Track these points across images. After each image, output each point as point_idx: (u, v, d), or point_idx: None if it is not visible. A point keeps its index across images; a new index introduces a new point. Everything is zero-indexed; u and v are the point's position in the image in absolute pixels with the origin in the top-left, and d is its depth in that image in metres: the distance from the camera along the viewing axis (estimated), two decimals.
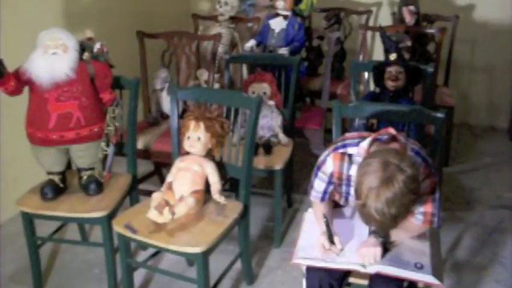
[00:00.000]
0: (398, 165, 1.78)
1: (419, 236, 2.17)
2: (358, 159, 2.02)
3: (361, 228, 2.16)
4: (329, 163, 2.12)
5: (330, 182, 2.17)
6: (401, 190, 1.76)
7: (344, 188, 2.19)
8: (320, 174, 2.16)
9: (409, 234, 2.15)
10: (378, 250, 2.01)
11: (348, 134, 2.20)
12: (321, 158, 2.16)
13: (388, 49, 3.01)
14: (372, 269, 2.01)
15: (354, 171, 2.04)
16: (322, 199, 2.22)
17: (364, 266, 2.01)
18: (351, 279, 2.17)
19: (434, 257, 2.09)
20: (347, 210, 2.30)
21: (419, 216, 2.08)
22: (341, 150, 2.11)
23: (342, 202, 2.31)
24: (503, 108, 5.12)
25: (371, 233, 2.10)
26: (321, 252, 2.10)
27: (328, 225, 2.10)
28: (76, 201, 2.65)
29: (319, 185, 2.19)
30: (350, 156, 2.08)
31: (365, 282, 2.13)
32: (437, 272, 2.01)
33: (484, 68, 5.08)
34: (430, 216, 2.07)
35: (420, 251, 2.11)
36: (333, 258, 2.06)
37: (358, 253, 2.03)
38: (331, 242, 2.09)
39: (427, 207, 2.06)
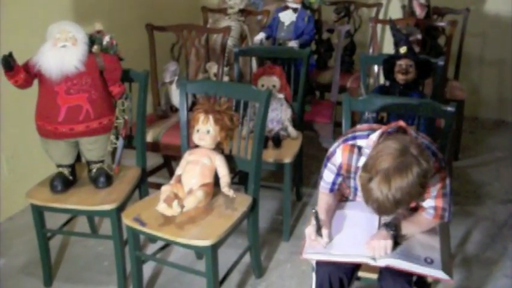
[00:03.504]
0: (416, 157, 1.79)
1: (430, 230, 2.17)
2: (367, 151, 2.01)
3: (372, 221, 2.16)
4: (338, 154, 2.13)
5: (338, 174, 2.18)
6: (413, 181, 1.77)
7: (352, 182, 2.19)
8: (329, 165, 2.18)
9: (419, 228, 2.14)
10: (389, 243, 2.01)
11: (358, 126, 2.20)
12: (331, 149, 2.17)
13: (398, 42, 2.99)
14: (381, 262, 2.00)
15: (363, 160, 2.03)
16: (331, 190, 2.24)
17: (374, 259, 2.00)
18: (361, 273, 2.16)
19: (444, 252, 2.08)
20: (357, 204, 2.29)
21: (431, 211, 2.08)
22: (351, 142, 2.12)
23: (351, 197, 2.31)
24: None
25: (382, 226, 2.09)
26: (308, 242, 2.10)
27: (317, 217, 2.09)
28: (85, 193, 2.66)
29: (328, 175, 2.21)
30: (360, 148, 2.09)
31: (374, 276, 2.13)
32: (447, 267, 2.00)
33: (495, 61, 5.05)
34: (440, 210, 2.07)
35: (430, 245, 2.10)
36: (343, 251, 2.06)
37: (369, 246, 2.02)
38: (319, 234, 2.08)
39: (438, 202, 2.06)
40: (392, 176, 1.77)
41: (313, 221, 2.09)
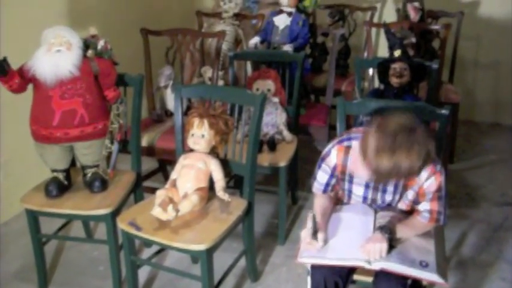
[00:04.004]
0: (423, 130, 1.85)
1: (425, 234, 2.17)
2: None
3: (367, 225, 2.16)
4: (333, 155, 2.15)
5: (332, 175, 2.19)
6: (418, 145, 1.80)
7: (346, 184, 2.20)
8: (323, 166, 2.19)
9: (414, 232, 2.15)
10: (384, 246, 2.01)
11: (353, 129, 2.21)
12: (326, 150, 2.19)
13: (392, 46, 3.00)
14: (377, 265, 2.00)
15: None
16: (324, 191, 2.26)
17: (369, 262, 2.01)
18: (356, 276, 2.16)
19: (439, 256, 2.09)
20: (352, 207, 2.29)
21: (426, 214, 2.09)
22: (346, 144, 2.14)
23: (345, 200, 2.31)
24: (509, 105, 5.10)
25: (376, 229, 2.09)
26: (303, 246, 2.11)
27: (314, 221, 2.09)
28: (80, 198, 2.65)
29: (322, 176, 2.22)
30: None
31: (370, 279, 2.13)
32: (442, 271, 2.01)
33: (489, 64, 5.06)
34: (436, 214, 2.08)
35: (425, 249, 2.10)
36: (338, 255, 2.06)
37: (364, 249, 2.03)
38: (315, 238, 2.08)
39: (433, 206, 2.07)
40: (400, 135, 1.80)
41: (310, 224, 2.09)
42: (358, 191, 2.21)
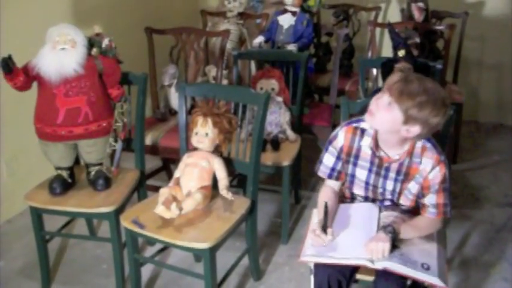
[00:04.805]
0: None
1: (427, 236, 2.17)
2: (370, 131, 2.12)
3: (370, 224, 2.16)
4: (341, 136, 2.20)
5: (339, 158, 2.22)
6: (436, 85, 1.97)
7: (350, 168, 2.23)
8: (330, 148, 2.23)
9: (419, 232, 2.15)
10: (387, 246, 2.01)
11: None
12: (333, 133, 2.24)
13: (396, 46, 3.00)
14: (379, 265, 2.00)
15: (365, 142, 2.13)
16: (330, 176, 2.28)
17: (372, 261, 2.01)
18: (358, 276, 2.17)
19: (441, 259, 2.09)
20: (357, 206, 2.30)
21: (432, 210, 2.11)
22: (354, 125, 2.20)
23: (347, 192, 2.32)
24: None
25: (380, 228, 2.10)
26: (311, 238, 2.12)
27: (326, 213, 2.11)
28: (84, 196, 2.66)
29: (328, 159, 2.25)
30: (363, 131, 2.16)
31: (372, 278, 2.13)
32: (442, 274, 2.01)
33: (493, 65, 5.06)
34: (442, 207, 2.10)
35: (427, 251, 2.10)
36: (341, 254, 2.06)
37: (367, 248, 2.03)
38: (324, 230, 2.10)
39: (439, 199, 2.09)
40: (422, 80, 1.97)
41: (321, 215, 2.12)
42: (361, 175, 2.22)
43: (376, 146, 2.13)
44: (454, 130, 4.07)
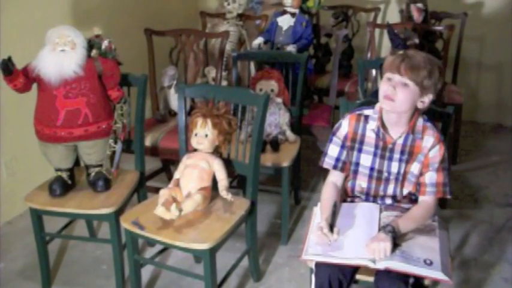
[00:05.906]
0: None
1: (429, 232, 2.19)
2: (374, 116, 2.18)
3: (371, 224, 2.17)
4: (345, 125, 2.26)
5: (343, 147, 2.27)
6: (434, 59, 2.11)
7: (355, 155, 2.26)
8: (335, 139, 2.28)
9: (416, 223, 2.18)
10: (388, 245, 2.02)
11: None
12: (336, 124, 2.30)
13: (396, 46, 3.01)
14: (381, 265, 2.00)
15: (370, 126, 2.20)
16: (335, 167, 2.31)
17: (373, 261, 2.01)
18: (358, 276, 2.16)
19: (443, 254, 2.09)
20: (358, 206, 2.30)
21: (431, 189, 2.17)
22: (358, 112, 2.26)
23: (349, 187, 2.34)
24: None
25: (381, 228, 2.10)
26: (316, 236, 2.13)
27: (334, 213, 2.15)
28: (84, 197, 2.66)
29: (332, 150, 2.29)
30: (366, 117, 2.23)
31: (371, 279, 2.13)
32: (446, 269, 2.01)
33: (493, 65, 5.06)
34: (441, 186, 2.17)
35: (429, 247, 2.11)
36: (342, 254, 2.06)
37: (368, 248, 2.03)
38: (331, 229, 2.11)
39: (439, 177, 2.16)
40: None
41: (328, 212, 2.16)
42: (366, 161, 2.25)
43: (382, 126, 2.19)
44: (454, 131, 4.07)
